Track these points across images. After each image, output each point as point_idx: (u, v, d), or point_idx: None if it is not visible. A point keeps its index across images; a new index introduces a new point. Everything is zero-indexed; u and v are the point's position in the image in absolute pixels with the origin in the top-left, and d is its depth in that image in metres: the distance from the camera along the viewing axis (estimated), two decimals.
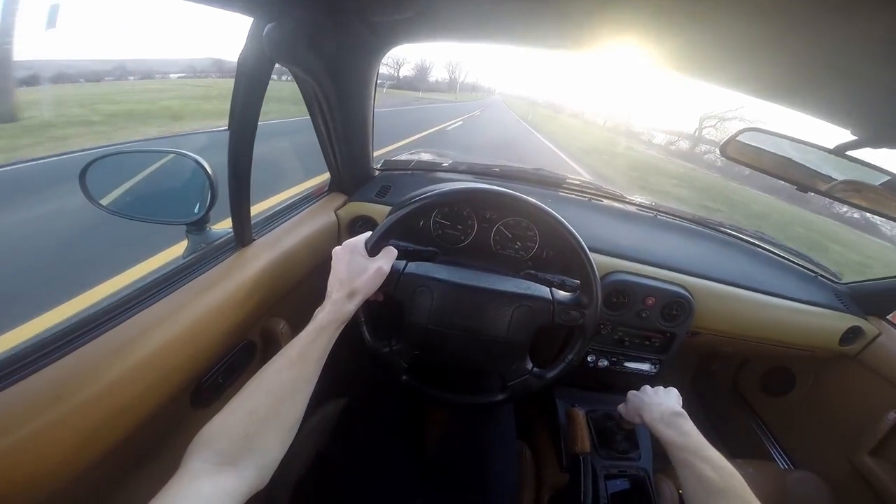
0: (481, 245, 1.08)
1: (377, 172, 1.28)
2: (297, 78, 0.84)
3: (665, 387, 0.86)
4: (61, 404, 0.48)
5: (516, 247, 1.08)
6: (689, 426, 0.72)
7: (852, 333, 1.26)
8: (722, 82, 0.85)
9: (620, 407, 0.92)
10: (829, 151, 0.80)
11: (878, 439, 1.19)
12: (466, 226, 1.08)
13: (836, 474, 1.24)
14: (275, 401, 0.54)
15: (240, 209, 0.77)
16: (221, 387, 0.76)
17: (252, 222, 0.85)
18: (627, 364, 1.18)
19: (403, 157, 1.48)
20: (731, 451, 1.66)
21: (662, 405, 0.79)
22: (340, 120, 0.97)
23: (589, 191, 1.40)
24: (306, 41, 0.71)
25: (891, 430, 1.18)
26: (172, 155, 0.82)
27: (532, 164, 1.53)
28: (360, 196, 1.19)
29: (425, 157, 1.51)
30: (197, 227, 0.81)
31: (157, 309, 0.63)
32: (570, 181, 1.40)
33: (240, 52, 0.63)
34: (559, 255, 1.08)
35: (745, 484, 0.59)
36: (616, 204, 1.40)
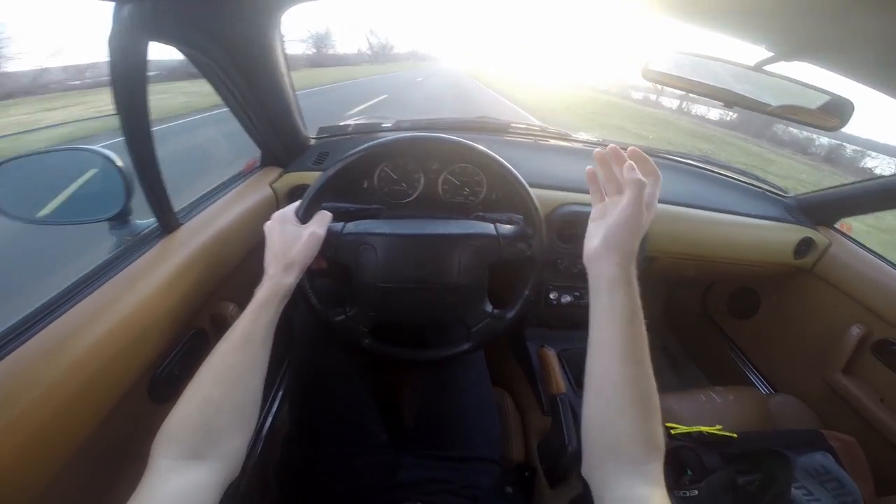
0: (430, 196, 1.06)
1: (313, 141, 1.25)
2: (187, 56, 0.79)
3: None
4: (4, 413, 0.47)
5: (465, 192, 1.07)
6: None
7: (805, 245, 1.29)
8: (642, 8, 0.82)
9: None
10: (750, 68, 0.80)
11: (846, 357, 1.23)
12: (412, 179, 1.06)
13: (815, 395, 1.28)
14: (226, 386, 0.53)
15: (156, 195, 0.75)
16: (178, 378, 0.76)
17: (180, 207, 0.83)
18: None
19: (342, 122, 1.44)
20: (711, 379, 1.74)
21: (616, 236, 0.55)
22: (250, 91, 0.93)
23: (535, 133, 1.39)
24: (178, 14, 0.66)
25: (857, 346, 1.22)
26: (79, 152, 0.78)
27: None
28: (297, 166, 1.16)
29: (366, 120, 1.47)
30: (119, 221, 0.79)
31: (86, 305, 0.62)
32: (515, 126, 1.39)
33: (108, 36, 0.59)
34: (506, 195, 1.07)
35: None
36: (562, 143, 1.39)
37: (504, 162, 0.77)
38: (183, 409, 0.50)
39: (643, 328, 0.53)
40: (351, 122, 1.45)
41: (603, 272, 0.54)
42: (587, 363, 0.55)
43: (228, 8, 0.75)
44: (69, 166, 0.78)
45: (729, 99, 0.82)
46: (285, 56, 0.94)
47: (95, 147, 0.76)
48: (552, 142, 1.38)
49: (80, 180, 0.78)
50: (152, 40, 0.64)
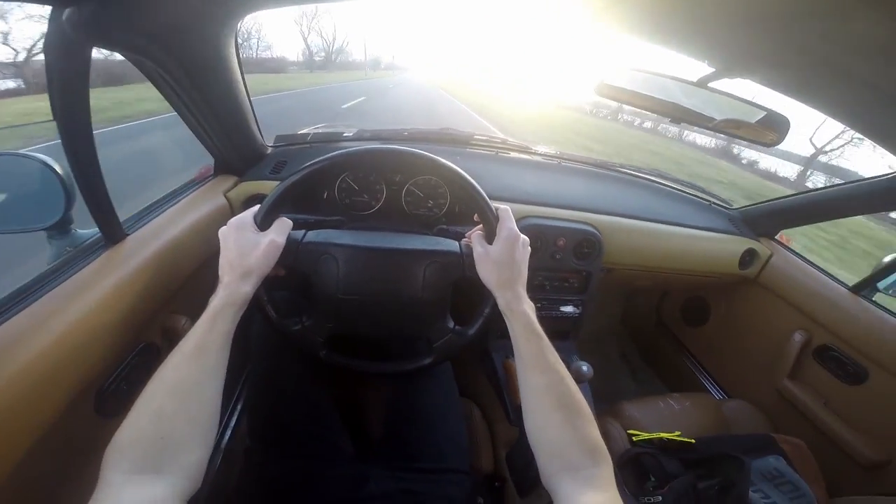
0: (393, 208, 1.05)
1: (270, 149, 1.21)
2: (133, 62, 0.75)
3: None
4: None
5: (429, 205, 1.07)
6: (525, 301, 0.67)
7: (749, 256, 1.36)
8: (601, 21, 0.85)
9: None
10: (693, 84, 0.84)
11: (791, 362, 1.30)
12: (374, 191, 1.05)
13: (765, 399, 1.34)
14: (179, 398, 0.51)
15: (98, 204, 0.70)
16: (126, 393, 0.72)
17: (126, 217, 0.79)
18: (552, 309, 1.22)
19: (301, 131, 1.42)
20: (668, 385, 1.80)
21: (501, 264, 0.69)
22: (203, 99, 0.89)
23: (496, 145, 1.41)
24: (121, 20, 0.63)
25: (800, 352, 1.29)
26: (13, 158, 0.74)
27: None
28: (253, 175, 1.12)
29: (327, 129, 1.45)
30: (58, 230, 0.74)
31: (19, 321, 0.58)
32: (477, 137, 1.40)
33: (44, 41, 0.56)
34: (469, 208, 1.08)
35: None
36: (522, 155, 1.42)
37: (468, 177, 0.77)
38: (134, 422, 0.48)
39: (540, 342, 0.62)
40: (310, 130, 1.43)
41: (500, 301, 0.68)
42: None
43: (180, 16, 0.72)
44: (2, 172, 0.73)
45: (676, 114, 0.86)
46: (240, 62, 0.91)
47: (31, 152, 0.72)
48: (513, 154, 1.41)
49: (16, 187, 0.73)
50: (95, 45, 0.61)
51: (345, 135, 1.34)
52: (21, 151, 0.72)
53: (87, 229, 0.78)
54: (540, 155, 1.42)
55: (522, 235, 0.71)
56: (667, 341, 1.86)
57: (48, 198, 0.72)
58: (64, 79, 0.59)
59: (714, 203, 1.48)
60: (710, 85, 0.83)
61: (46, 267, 0.69)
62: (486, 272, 0.70)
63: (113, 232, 0.75)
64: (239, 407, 1.19)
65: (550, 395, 0.57)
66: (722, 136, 1.12)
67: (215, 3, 0.73)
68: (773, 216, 1.41)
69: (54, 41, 0.57)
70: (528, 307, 0.66)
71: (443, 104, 18.36)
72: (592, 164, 1.44)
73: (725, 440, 1.10)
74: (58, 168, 0.71)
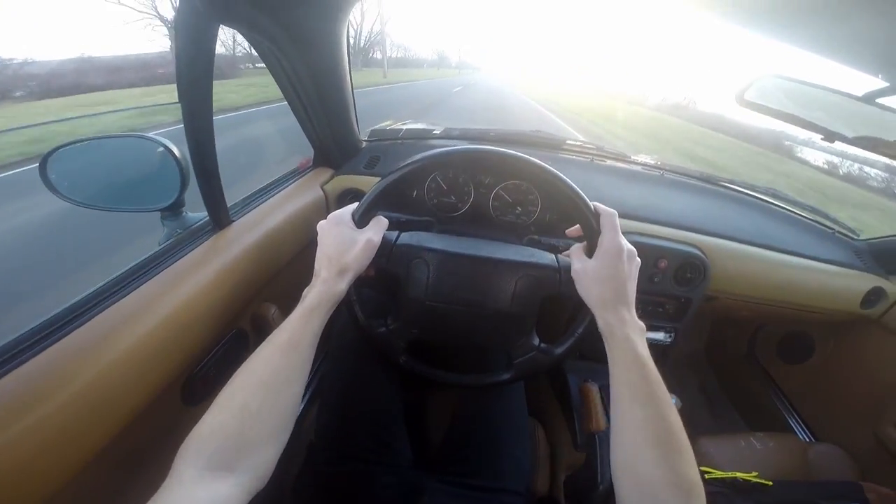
0: (480, 212, 1.02)
1: (364, 144, 1.22)
2: (253, 44, 0.76)
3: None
4: (30, 412, 0.45)
5: (517, 212, 1.02)
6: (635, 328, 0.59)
7: (874, 295, 1.19)
8: (736, 19, 0.75)
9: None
10: (858, 99, 0.73)
11: None
12: (462, 192, 1.02)
13: (860, 447, 1.20)
14: (268, 392, 0.50)
15: (211, 189, 0.72)
16: (213, 380, 0.74)
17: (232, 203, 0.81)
18: None
19: (393, 126, 1.41)
20: (749, 423, 1.66)
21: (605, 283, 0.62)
22: (313, 87, 0.90)
23: (591, 151, 1.33)
24: None
25: None
26: (139, 140, 0.76)
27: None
28: (348, 169, 1.13)
29: (416, 126, 1.43)
30: (171, 212, 0.77)
31: (130, 301, 0.60)
32: (570, 143, 1.33)
33: (174, 15, 0.56)
34: (563, 217, 1.01)
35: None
36: (620, 164, 1.32)
37: (573, 184, 0.71)
38: (217, 415, 0.47)
39: (642, 370, 0.54)
40: (401, 126, 1.42)
41: (599, 321, 0.61)
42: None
43: None
44: (127, 153, 0.77)
45: (832, 133, 0.74)
46: (349, 52, 0.91)
47: (154, 135, 0.75)
48: (609, 162, 1.32)
49: (137, 168, 0.76)
50: (223, 23, 0.61)
51: (434, 132, 1.32)
52: (146, 134, 0.75)
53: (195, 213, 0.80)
54: (640, 164, 1.32)
55: (629, 246, 0.63)
56: (755, 376, 1.70)
57: (165, 180, 0.75)
58: (192, 60, 0.60)
59: (838, 232, 1.31)
60: (879, 101, 0.71)
61: (158, 247, 0.72)
62: (585, 290, 0.63)
63: (221, 218, 0.77)
64: (306, 400, 1.20)
65: (647, 430, 0.50)
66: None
67: None
68: None
69: (185, 18, 0.57)
70: (634, 330, 0.59)
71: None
72: (699, 178, 1.32)
73: (806, 485, 1.01)
74: (176, 151, 0.73)
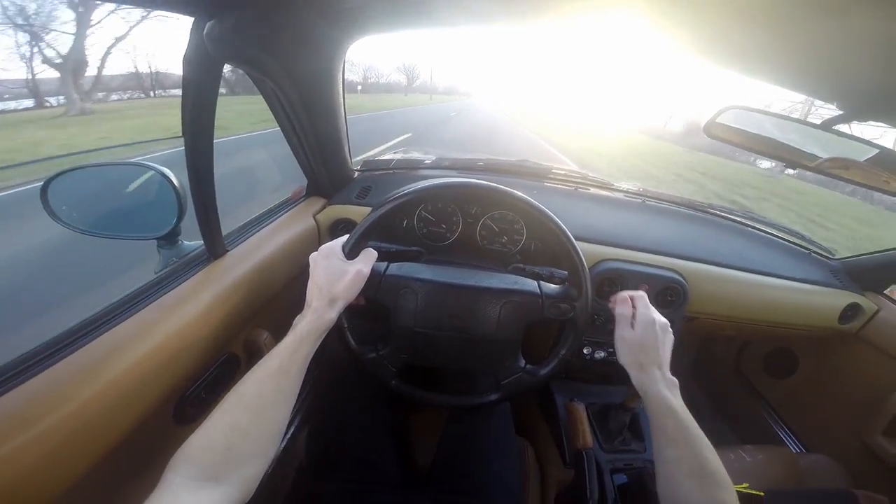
0: (468, 241, 1.05)
1: (357, 174, 1.25)
2: (253, 79, 0.80)
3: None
4: (29, 428, 0.46)
5: (503, 240, 1.05)
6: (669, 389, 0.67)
7: (851, 311, 1.24)
8: (709, 57, 0.81)
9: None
10: (817, 127, 0.78)
11: (890, 418, 1.17)
12: (451, 222, 1.05)
13: (849, 456, 1.22)
14: (256, 414, 0.52)
15: (207, 220, 0.74)
16: (205, 402, 0.75)
17: (227, 232, 0.83)
18: None
19: (385, 156, 1.45)
20: (741, 436, 1.67)
21: (644, 348, 0.71)
22: (308, 120, 0.94)
23: (575, 180, 1.38)
24: (253, 38, 0.67)
25: None
26: (138, 168, 0.79)
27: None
28: (340, 199, 1.16)
29: (407, 155, 1.48)
30: (168, 241, 0.79)
31: (127, 326, 0.62)
32: (555, 171, 1.38)
33: (183, 54, 0.60)
34: (547, 246, 1.05)
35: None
36: (603, 192, 1.37)
37: (555, 218, 0.77)
38: (207, 432, 0.49)
39: (674, 417, 0.63)
40: (392, 156, 1.46)
41: (634, 381, 0.71)
42: None
43: (305, 36, 0.76)
44: (126, 181, 0.79)
45: (797, 160, 0.80)
46: (344, 86, 0.96)
47: (154, 164, 0.77)
48: (593, 190, 1.37)
49: (136, 196, 0.78)
50: (227, 62, 0.65)
51: (425, 162, 1.36)
52: (145, 162, 0.78)
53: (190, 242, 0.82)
54: (622, 192, 1.37)
55: (661, 319, 0.73)
56: (742, 391, 1.73)
57: (163, 209, 0.77)
58: (198, 94, 0.63)
59: (814, 252, 1.36)
60: (836, 128, 0.76)
61: (154, 276, 0.74)
62: (623, 355, 0.73)
63: (216, 247, 0.79)
64: (296, 423, 1.21)
65: (682, 467, 0.60)
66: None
67: (334, 25, 0.77)
68: (883, 270, 1.28)
69: (193, 54, 0.61)
70: (667, 386, 0.67)
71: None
72: (679, 204, 1.37)
73: (797, 494, 1.02)
74: (175, 181, 0.75)
